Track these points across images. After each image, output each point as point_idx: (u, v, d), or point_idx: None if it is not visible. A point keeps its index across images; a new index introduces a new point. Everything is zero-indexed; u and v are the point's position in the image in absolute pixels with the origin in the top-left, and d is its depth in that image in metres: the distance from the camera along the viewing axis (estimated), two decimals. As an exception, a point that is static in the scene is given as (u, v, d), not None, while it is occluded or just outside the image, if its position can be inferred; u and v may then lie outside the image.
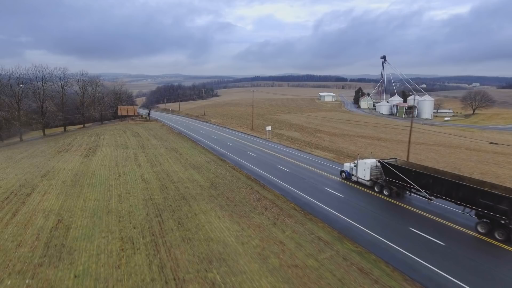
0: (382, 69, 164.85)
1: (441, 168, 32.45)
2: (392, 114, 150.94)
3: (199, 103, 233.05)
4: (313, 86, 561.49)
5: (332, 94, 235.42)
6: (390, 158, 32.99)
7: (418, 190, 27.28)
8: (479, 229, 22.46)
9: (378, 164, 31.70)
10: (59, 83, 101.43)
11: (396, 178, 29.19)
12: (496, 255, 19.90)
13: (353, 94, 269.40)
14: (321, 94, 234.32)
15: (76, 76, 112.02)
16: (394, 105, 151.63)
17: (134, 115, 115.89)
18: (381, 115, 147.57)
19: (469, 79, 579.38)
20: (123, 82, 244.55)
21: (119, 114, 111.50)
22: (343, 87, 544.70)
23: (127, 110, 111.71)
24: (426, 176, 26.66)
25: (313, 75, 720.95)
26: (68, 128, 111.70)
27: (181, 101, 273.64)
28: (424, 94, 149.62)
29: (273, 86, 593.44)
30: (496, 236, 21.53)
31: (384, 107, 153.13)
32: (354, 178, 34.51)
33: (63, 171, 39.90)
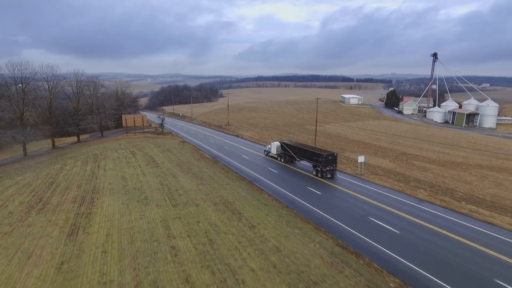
0: (432, 68, 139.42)
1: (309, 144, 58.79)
2: (446, 122, 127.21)
3: (210, 106, 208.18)
4: (321, 87, 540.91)
5: (357, 96, 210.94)
6: (287, 140, 57.80)
7: (293, 156, 49.43)
8: (314, 173, 44.16)
9: (279, 144, 53.66)
10: (47, 86, 77.61)
11: (287, 151, 50.98)
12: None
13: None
14: (345, 96, 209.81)
15: (70, 76, 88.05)
16: (449, 111, 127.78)
17: (143, 127, 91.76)
18: (435, 123, 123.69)
19: (476, 79, 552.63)
20: (124, 82, 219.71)
21: (124, 125, 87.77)
22: (351, 88, 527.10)
23: (134, 121, 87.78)
24: (296, 148, 49.11)
25: (318, 75, 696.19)
26: (59, 140, 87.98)
27: (187, 103, 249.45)
28: (487, 99, 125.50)
29: (279, 86, 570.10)
30: (319, 175, 43.01)
31: (437, 113, 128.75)
32: (270, 154, 56.19)
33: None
